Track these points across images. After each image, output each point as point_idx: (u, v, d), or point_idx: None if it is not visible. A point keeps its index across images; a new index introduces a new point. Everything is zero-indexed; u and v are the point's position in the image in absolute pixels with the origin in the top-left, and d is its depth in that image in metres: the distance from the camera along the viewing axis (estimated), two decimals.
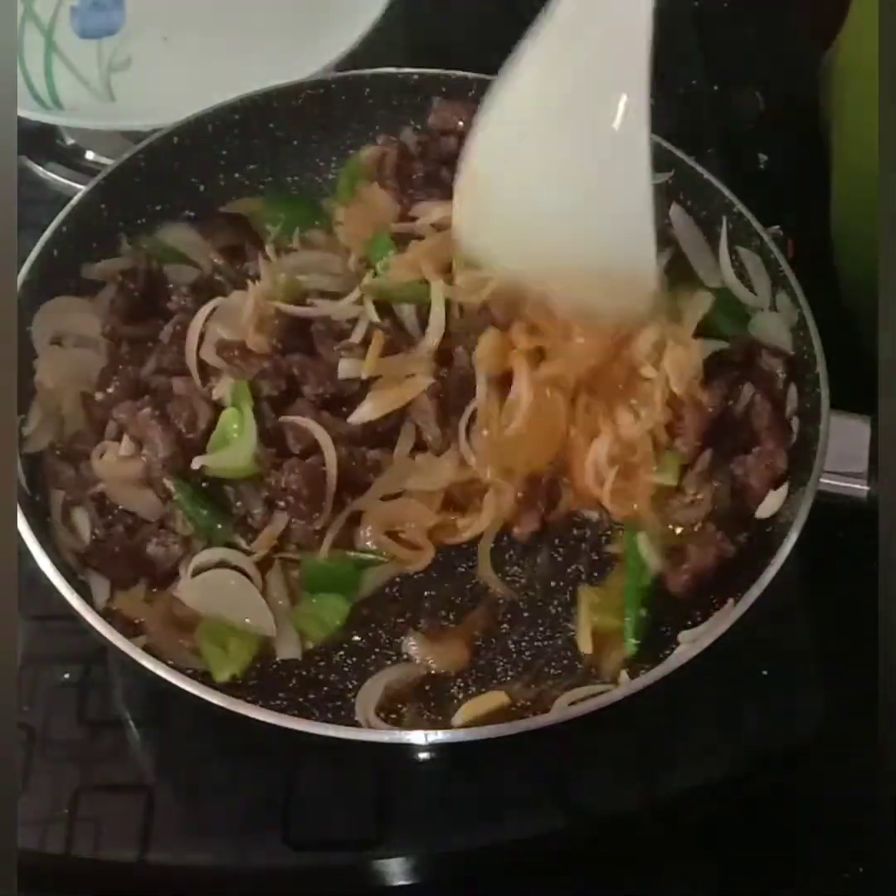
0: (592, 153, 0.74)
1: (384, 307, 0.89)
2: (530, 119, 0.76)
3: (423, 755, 0.77)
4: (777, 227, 0.95)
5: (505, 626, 0.84)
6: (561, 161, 0.75)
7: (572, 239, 0.77)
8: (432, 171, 0.99)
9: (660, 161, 0.98)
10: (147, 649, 0.74)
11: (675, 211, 0.97)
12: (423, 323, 0.88)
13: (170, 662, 0.74)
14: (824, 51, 1.27)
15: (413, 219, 0.96)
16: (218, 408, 0.84)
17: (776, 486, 0.83)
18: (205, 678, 0.76)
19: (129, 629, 0.78)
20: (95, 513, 0.83)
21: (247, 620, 0.80)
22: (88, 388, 0.88)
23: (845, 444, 0.81)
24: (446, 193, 0.97)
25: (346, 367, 0.84)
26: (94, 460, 0.84)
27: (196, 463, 0.81)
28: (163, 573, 0.82)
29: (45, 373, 0.88)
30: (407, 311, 0.89)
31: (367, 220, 0.97)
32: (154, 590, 0.82)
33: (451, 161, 1.00)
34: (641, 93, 0.71)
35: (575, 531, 0.88)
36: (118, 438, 0.85)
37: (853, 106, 1.09)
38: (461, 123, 1.00)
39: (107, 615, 0.77)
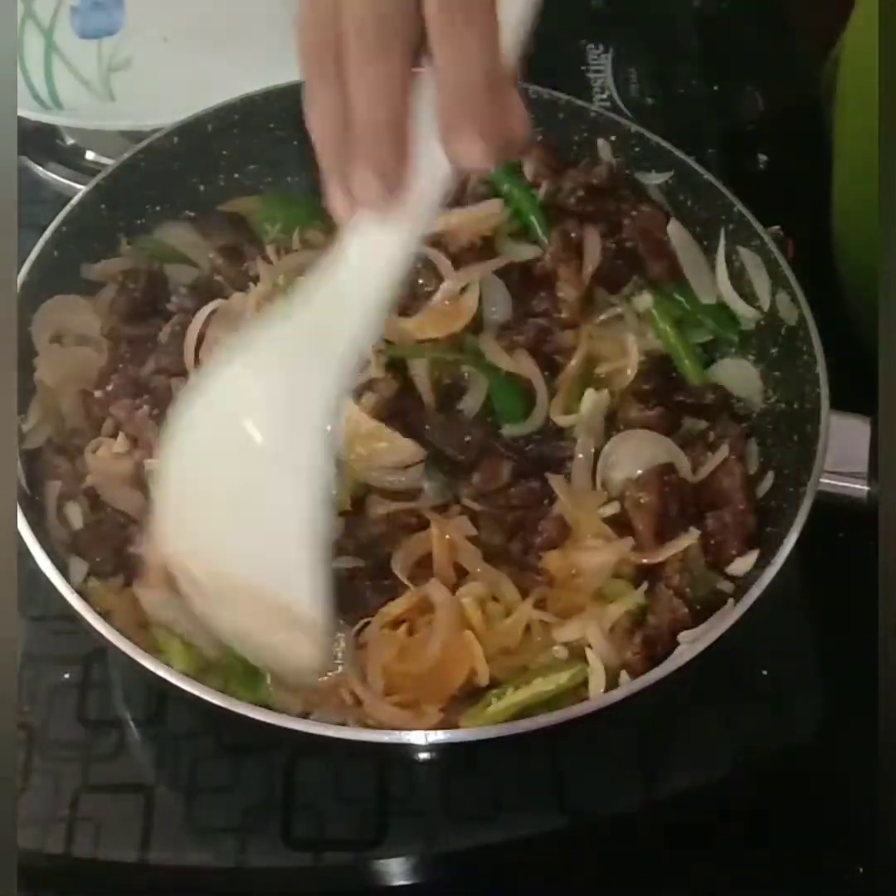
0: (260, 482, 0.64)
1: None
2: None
3: (423, 755, 0.77)
4: (777, 227, 0.95)
5: None
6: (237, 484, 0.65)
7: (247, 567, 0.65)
8: None
9: (660, 161, 0.99)
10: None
11: (673, 226, 0.97)
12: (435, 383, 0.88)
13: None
14: (824, 51, 1.27)
15: None
16: None
17: (749, 546, 0.83)
18: (205, 678, 0.76)
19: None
20: (87, 507, 0.84)
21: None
22: (88, 385, 0.88)
23: (845, 444, 0.81)
24: (447, 202, 0.98)
25: None
26: (87, 455, 0.84)
27: None
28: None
29: (45, 371, 0.88)
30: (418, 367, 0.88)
31: None
32: (128, 586, 0.81)
33: None
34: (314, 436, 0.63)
35: None
36: (114, 435, 0.85)
37: (855, 106, 1.09)
38: None
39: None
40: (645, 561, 0.82)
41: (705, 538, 0.83)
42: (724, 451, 0.87)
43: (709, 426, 0.90)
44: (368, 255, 0.61)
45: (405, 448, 0.82)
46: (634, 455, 0.86)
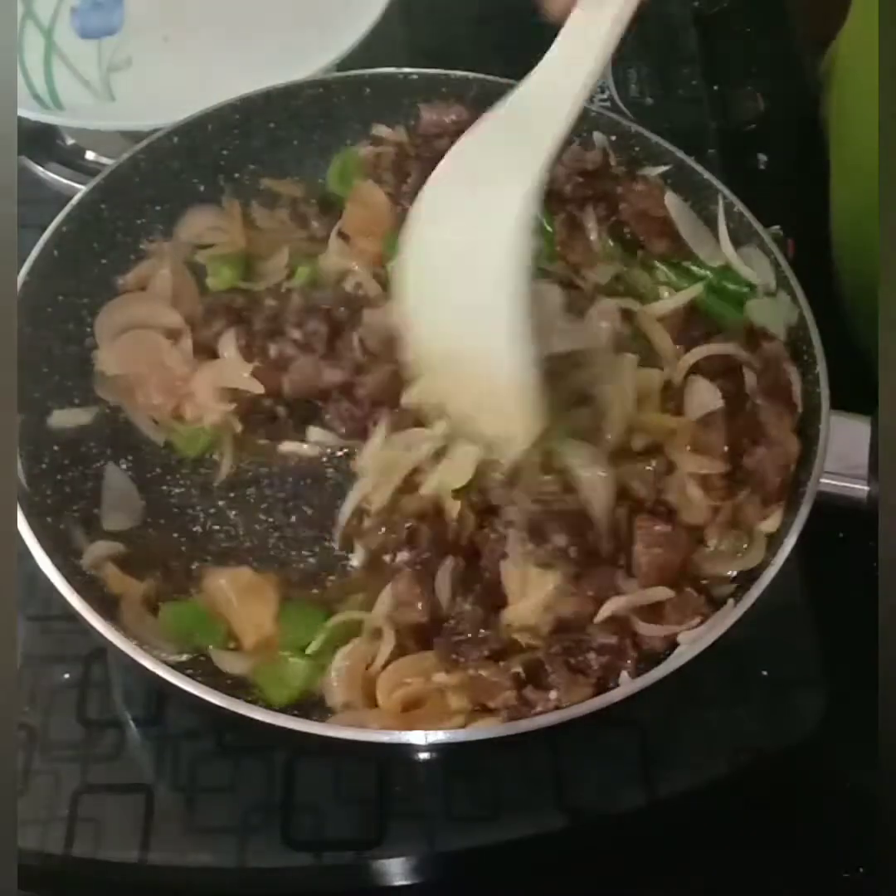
0: (478, 248, 0.74)
1: None
2: (439, 211, 0.77)
3: (423, 755, 0.77)
4: (777, 227, 0.95)
5: None
6: (456, 251, 0.75)
7: (466, 330, 0.75)
8: (427, 170, 0.99)
9: (660, 161, 0.99)
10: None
11: (671, 198, 0.97)
12: None
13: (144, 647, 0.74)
14: (824, 51, 1.27)
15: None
16: None
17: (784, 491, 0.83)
18: (205, 678, 0.76)
19: (106, 603, 0.78)
20: None
21: None
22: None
23: (845, 444, 0.81)
24: None
25: None
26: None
27: None
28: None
29: (107, 362, 0.90)
30: None
31: (369, 228, 0.98)
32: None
33: None
34: (512, 240, 0.72)
35: None
36: None
37: (852, 106, 1.09)
38: (452, 120, 1.00)
39: (89, 583, 0.78)
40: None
41: (749, 476, 0.83)
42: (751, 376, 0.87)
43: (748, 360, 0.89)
44: (578, 46, 0.72)
45: None
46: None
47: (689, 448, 0.85)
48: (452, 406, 0.80)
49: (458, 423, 0.80)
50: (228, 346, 0.90)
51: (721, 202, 0.96)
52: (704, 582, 0.81)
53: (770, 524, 0.82)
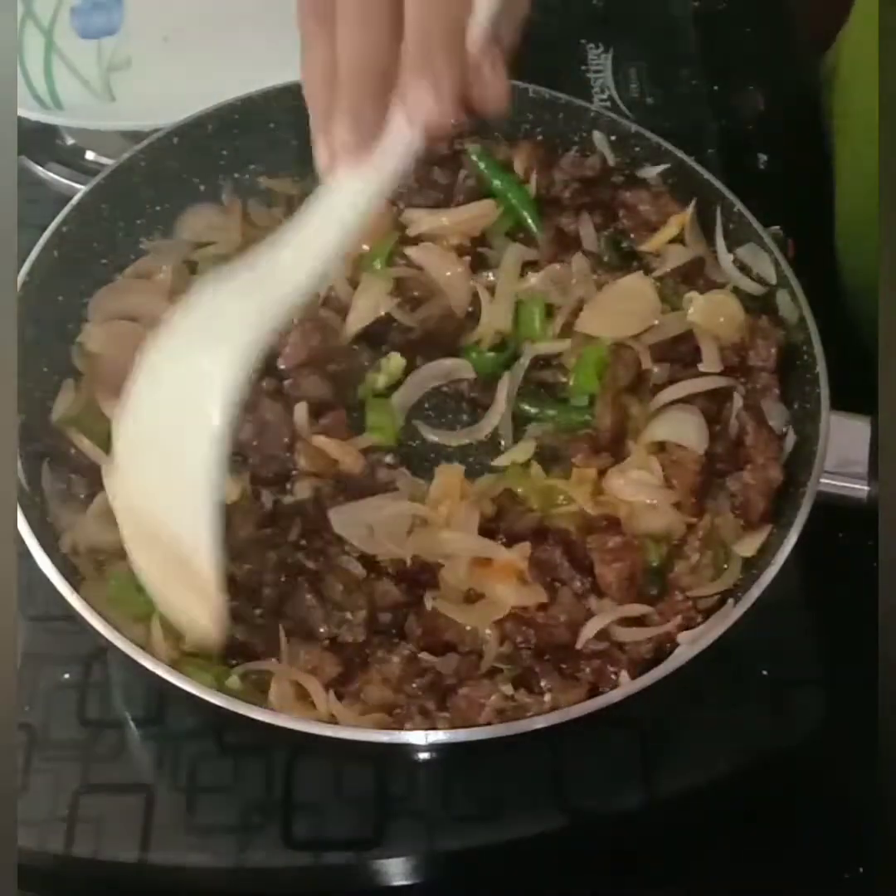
0: (182, 410, 0.70)
1: None
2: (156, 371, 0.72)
3: (423, 755, 0.77)
4: (777, 227, 0.95)
5: None
6: (165, 410, 0.71)
7: (164, 516, 0.71)
8: (424, 173, 0.99)
9: (660, 161, 0.99)
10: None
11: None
12: None
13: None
14: (824, 51, 1.27)
15: (403, 226, 0.97)
16: None
17: (771, 500, 0.83)
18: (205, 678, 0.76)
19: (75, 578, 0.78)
20: None
21: None
22: None
23: (845, 444, 0.81)
24: (438, 198, 0.98)
25: None
26: None
27: None
28: None
29: (93, 338, 0.90)
30: None
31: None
32: None
33: (442, 162, 1.00)
34: (217, 398, 0.68)
35: None
36: None
37: (855, 107, 1.09)
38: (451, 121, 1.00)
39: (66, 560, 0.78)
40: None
41: (732, 498, 0.83)
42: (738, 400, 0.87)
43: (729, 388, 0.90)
44: (335, 206, 0.68)
45: None
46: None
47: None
48: (150, 580, 0.74)
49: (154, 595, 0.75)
50: None
51: (719, 221, 0.96)
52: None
53: (748, 548, 0.82)
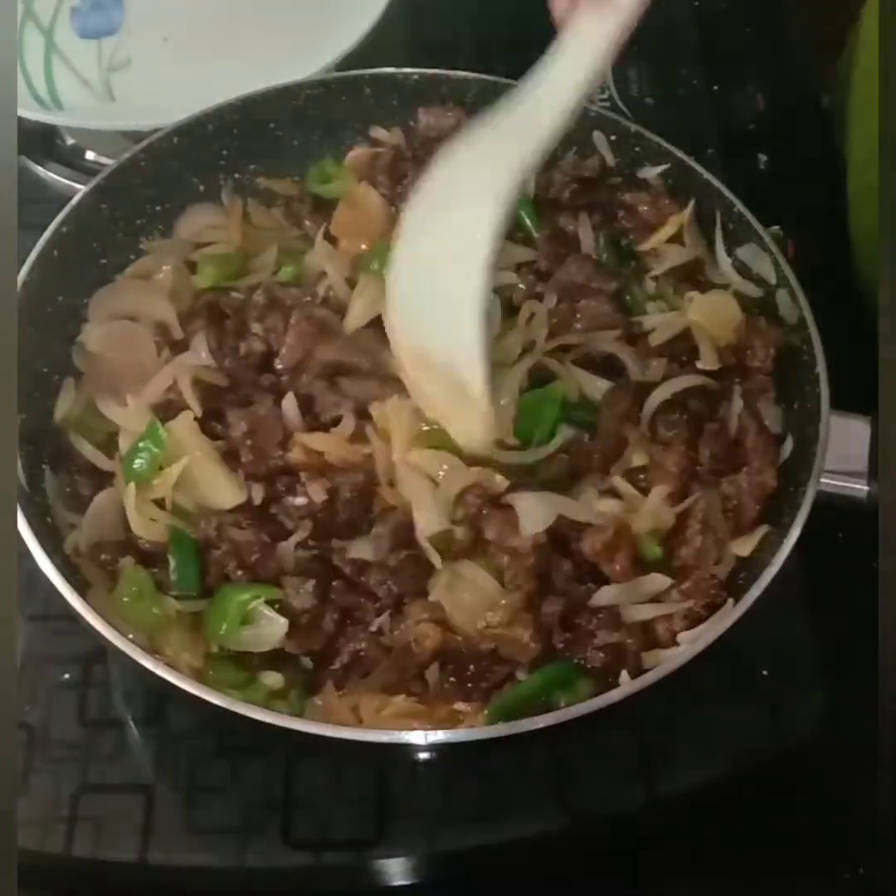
0: (451, 250, 0.79)
1: None
2: (422, 213, 0.80)
3: (422, 755, 0.77)
4: (777, 227, 0.95)
5: None
6: (435, 253, 0.80)
7: (432, 329, 0.81)
8: (423, 172, 0.99)
9: (660, 161, 0.99)
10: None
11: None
12: None
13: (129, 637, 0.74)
14: (824, 50, 1.27)
15: None
16: None
17: (762, 505, 0.83)
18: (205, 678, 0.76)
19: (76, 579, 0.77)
20: None
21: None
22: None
23: (845, 444, 0.81)
24: None
25: None
26: None
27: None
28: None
29: (92, 338, 0.90)
30: None
31: (358, 229, 0.97)
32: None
33: None
34: (483, 246, 0.76)
35: None
36: None
37: (869, 109, 1.09)
38: (451, 123, 1.01)
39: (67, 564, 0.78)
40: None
41: (725, 500, 0.83)
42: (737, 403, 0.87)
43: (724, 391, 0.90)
44: (580, 48, 0.73)
45: None
46: None
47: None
48: (428, 404, 0.83)
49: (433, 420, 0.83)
50: (200, 344, 0.90)
51: (718, 223, 0.96)
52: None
53: (742, 548, 0.82)
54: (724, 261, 0.96)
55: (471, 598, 0.79)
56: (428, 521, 0.80)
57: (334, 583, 0.80)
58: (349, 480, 0.82)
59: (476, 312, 0.78)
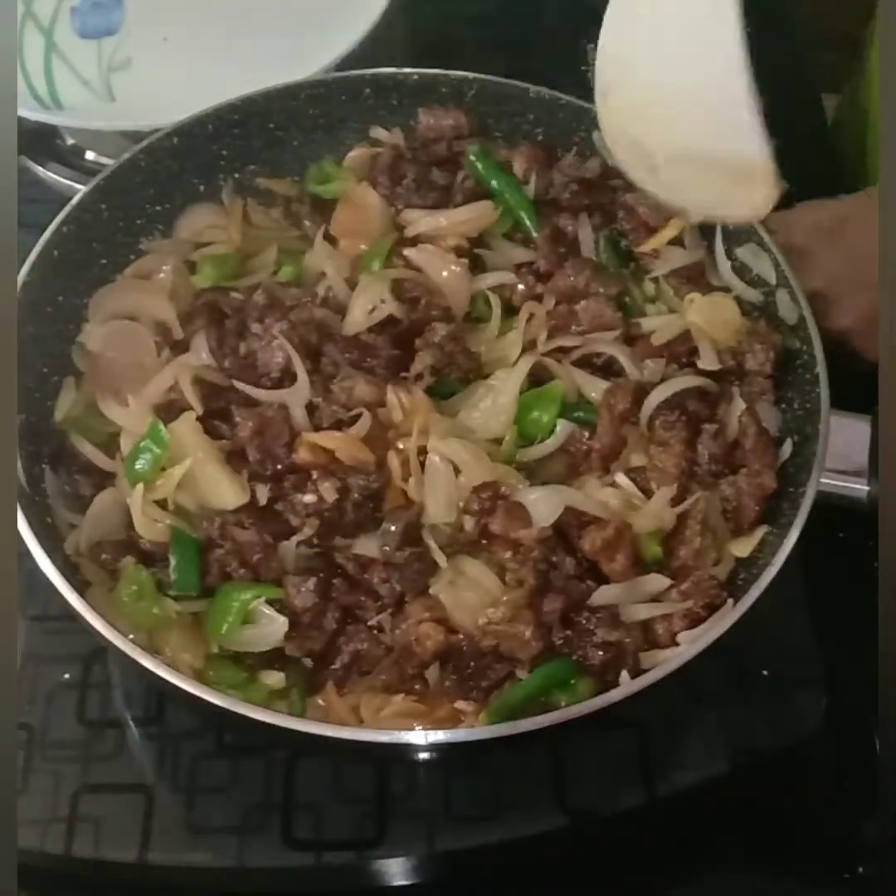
0: (692, 35, 0.77)
1: None
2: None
3: (423, 755, 0.77)
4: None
5: None
6: (669, 42, 0.77)
7: (685, 116, 0.78)
8: (422, 173, 0.99)
9: None
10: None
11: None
12: None
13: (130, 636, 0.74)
14: (823, 50, 1.27)
15: (401, 227, 0.97)
16: None
17: (761, 506, 0.83)
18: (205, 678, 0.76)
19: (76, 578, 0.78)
20: None
21: None
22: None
23: (845, 444, 0.81)
24: (436, 199, 0.98)
25: None
26: None
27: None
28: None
29: (92, 338, 0.89)
30: None
31: (357, 230, 0.97)
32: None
33: (441, 163, 1.00)
34: None
35: None
36: None
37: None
38: (450, 124, 1.01)
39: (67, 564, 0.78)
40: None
41: (724, 502, 0.83)
42: (738, 403, 0.87)
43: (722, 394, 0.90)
44: None
45: None
46: None
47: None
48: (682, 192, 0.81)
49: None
50: (200, 344, 0.90)
51: (718, 228, 0.95)
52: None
53: (741, 548, 0.82)
54: (724, 264, 0.96)
55: (472, 596, 0.79)
56: (438, 510, 0.80)
57: (335, 581, 0.80)
58: (360, 480, 0.82)
59: (738, 62, 0.76)
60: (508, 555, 0.79)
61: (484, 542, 0.81)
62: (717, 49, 0.75)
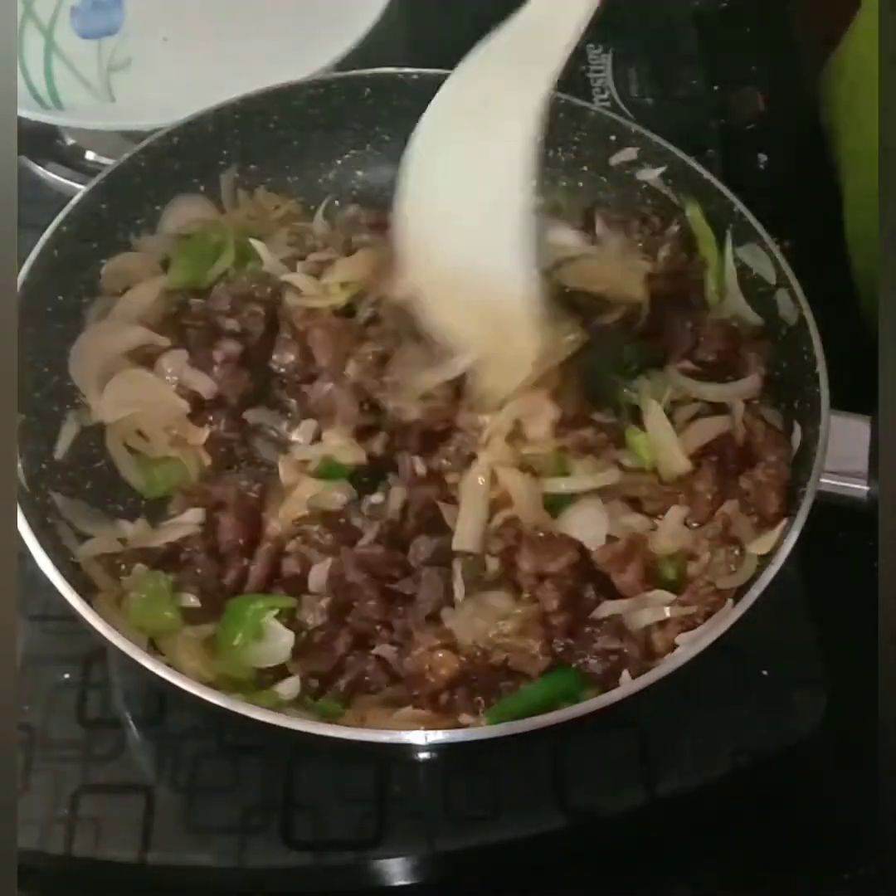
0: (483, 169, 0.75)
1: None
2: (443, 134, 0.77)
3: (423, 755, 0.77)
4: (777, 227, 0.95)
5: None
6: (462, 174, 0.76)
7: (470, 252, 0.77)
8: None
9: (660, 161, 0.99)
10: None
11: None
12: None
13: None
14: (823, 50, 1.27)
15: None
16: None
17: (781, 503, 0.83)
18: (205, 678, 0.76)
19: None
20: None
21: None
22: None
23: (845, 444, 0.81)
24: None
25: None
26: None
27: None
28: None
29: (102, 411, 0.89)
30: None
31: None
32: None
33: None
34: (530, 125, 0.73)
35: None
36: None
37: (864, 109, 1.09)
38: None
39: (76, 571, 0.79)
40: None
41: (744, 496, 0.84)
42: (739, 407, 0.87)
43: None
44: None
45: None
46: None
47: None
48: (460, 330, 0.80)
49: (466, 347, 0.80)
50: (172, 363, 0.90)
51: (729, 247, 0.96)
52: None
53: (762, 546, 0.81)
54: (732, 277, 0.96)
55: (484, 622, 0.78)
56: (463, 537, 0.80)
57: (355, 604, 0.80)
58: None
59: (519, 227, 0.73)
60: (535, 584, 0.79)
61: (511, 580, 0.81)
62: (501, 199, 0.74)
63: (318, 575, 0.81)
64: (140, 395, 0.89)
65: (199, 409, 0.90)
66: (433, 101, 0.77)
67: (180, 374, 0.90)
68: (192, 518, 0.84)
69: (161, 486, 0.88)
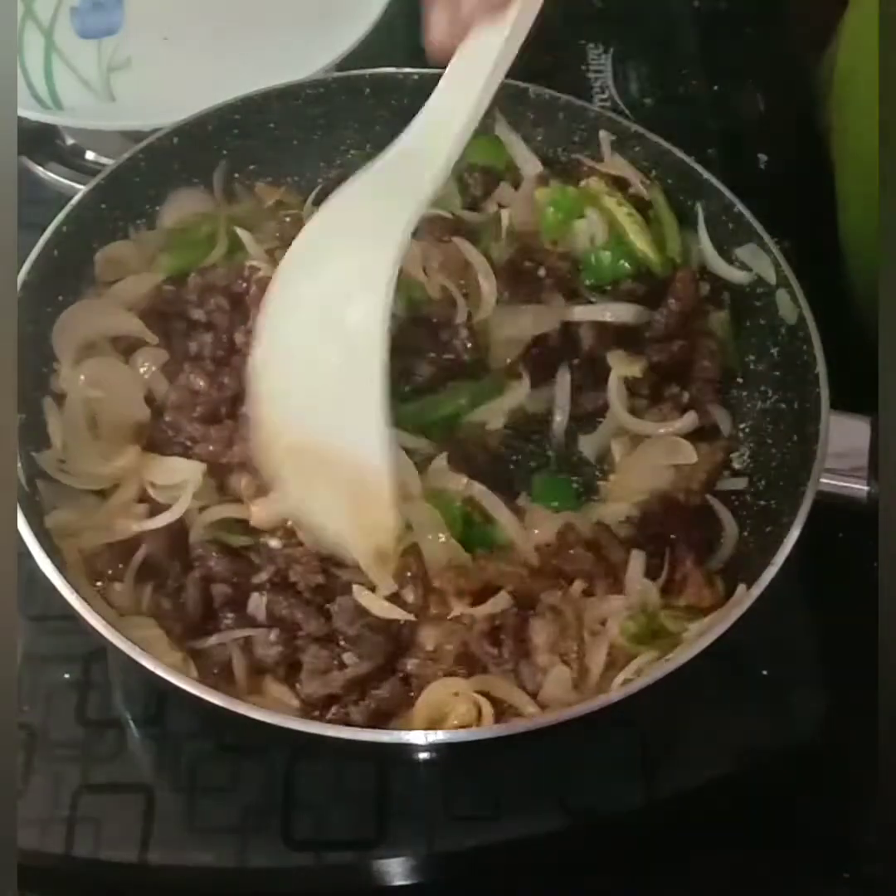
0: (336, 348, 0.72)
1: None
2: (296, 313, 0.74)
3: (423, 755, 0.77)
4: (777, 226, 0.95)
5: None
6: (315, 357, 0.73)
7: (325, 435, 0.73)
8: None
9: (660, 161, 0.99)
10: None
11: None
12: None
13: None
14: (823, 51, 1.27)
15: None
16: None
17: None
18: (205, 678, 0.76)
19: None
20: None
21: None
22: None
23: (845, 444, 0.81)
24: None
25: None
26: None
27: None
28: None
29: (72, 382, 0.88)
30: None
31: None
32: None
33: None
34: (380, 299, 0.70)
35: None
36: None
37: (856, 108, 1.09)
38: None
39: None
40: None
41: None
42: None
43: None
44: (455, 98, 0.70)
45: None
46: None
47: None
48: (311, 504, 0.75)
49: (316, 523, 0.76)
50: (147, 360, 0.89)
51: (700, 214, 0.96)
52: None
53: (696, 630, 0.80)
54: (705, 239, 0.97)
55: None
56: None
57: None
58: None
59: (378, 390, 0.69)
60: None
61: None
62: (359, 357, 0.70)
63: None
64: (110, 387, 0.88)
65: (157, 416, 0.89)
66: (299, 237, 0.74)
67: (149, 374, 0.89)
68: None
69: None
